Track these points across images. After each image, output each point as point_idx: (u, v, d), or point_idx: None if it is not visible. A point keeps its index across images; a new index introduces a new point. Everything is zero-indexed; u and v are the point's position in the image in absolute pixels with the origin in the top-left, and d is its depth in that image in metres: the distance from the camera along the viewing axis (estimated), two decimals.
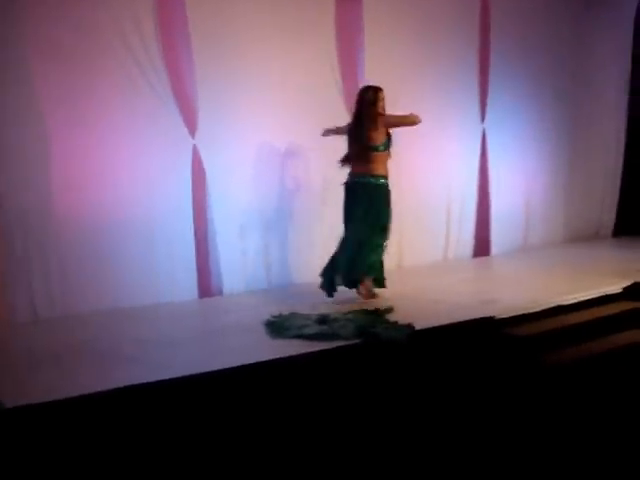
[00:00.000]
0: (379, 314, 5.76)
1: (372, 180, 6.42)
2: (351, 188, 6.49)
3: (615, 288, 6.80)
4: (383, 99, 6.41)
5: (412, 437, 4.43)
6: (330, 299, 6.43)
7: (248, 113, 7.00)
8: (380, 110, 6.39)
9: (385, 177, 6.44)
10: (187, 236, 6.80)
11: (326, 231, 7.56)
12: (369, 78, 7.58)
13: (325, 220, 7.55)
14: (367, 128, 6.36)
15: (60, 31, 6.07)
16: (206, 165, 6.84)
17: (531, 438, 4.46)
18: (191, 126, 6.75)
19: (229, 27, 6.85)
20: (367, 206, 6.39)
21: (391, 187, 6.51)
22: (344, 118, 7.49)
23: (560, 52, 9.58)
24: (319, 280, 6.66)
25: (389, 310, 5.86)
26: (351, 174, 6.50)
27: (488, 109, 8.96)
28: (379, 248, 6.48)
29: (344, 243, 6.47)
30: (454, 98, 8.48)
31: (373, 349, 5.05)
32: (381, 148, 6.39)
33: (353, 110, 6.60)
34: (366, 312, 5.83)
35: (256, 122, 7.07)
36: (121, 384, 4.19)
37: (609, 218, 10.58)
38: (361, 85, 7.55)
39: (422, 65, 8.19)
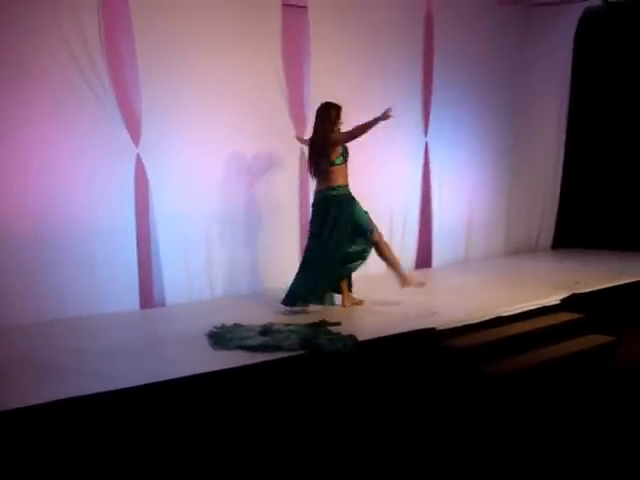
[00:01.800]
0: (322, 325, 5.77)
1: (332, 192, 6.51)
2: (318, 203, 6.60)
3: (554, 299, 6.92)
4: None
5: (354, 447, 4.45)
6: (273, 311, 6.42)
7: (193, 121, 6.98)
8: (336, 128, 6.46)
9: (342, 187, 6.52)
10: (129, 246, 6.72)
11: (271, 241, 7.58)
12: (314, 87, 7.66)
13: (269, 230, 7.57)
14: (326, 144, 6.42)
15: (1, 36, 5.99)
16: (149, 174, 6.80)
17: (470, 447, 4.51)
18: (135, 135, 6.70)
19: (174, 34, 6.82)
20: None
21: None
22: (289, 126, 7.55)
23: (502, 65, 9.72)
24: (263, 290, 6.68)
25: (336, 323, 5.85)
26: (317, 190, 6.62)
27: (431, 123, 9.07)
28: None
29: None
30: (397, 111, 8.53)
31: (316, 360, 5.05)
32: (338, 162, 6.45)
33: (314, 125, 6.61)
34: (309, 323, 5.83)
35: (201, 131, 7.04)
36: (62, 396, 4.11)
37: (548, 231, 10.76)
38: (306, 93, 7.66)
39: (366, 77, 8.24)
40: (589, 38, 10.13)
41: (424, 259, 9.25)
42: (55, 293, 6.32)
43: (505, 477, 4.25)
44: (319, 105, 6.57)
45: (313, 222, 6.63)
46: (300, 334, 5.42)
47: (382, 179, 8.40)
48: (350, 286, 6.76)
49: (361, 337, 5.41)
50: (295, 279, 6.55)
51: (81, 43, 6.35)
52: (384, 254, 6.65)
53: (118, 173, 6.65)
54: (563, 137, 10.52)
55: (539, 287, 7.42)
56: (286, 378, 4.89)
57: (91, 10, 6.38)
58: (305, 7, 7.76)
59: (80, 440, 3.98)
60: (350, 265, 6.61)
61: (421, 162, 9.05)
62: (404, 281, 6.70)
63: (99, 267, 6.55)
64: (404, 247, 8.90)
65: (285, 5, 7.61)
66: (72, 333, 5.89)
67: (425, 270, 9.09)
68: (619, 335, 6.53)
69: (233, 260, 7.41)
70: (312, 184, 7.64)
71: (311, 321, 5.90)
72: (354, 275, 6.78)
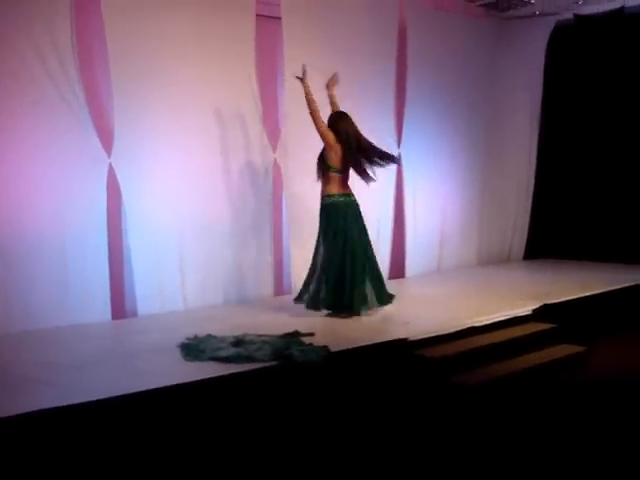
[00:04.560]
0: (294, 336, 5.76)
1: (326, 199, 6.66)
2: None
3: (525, 310, 6.97)
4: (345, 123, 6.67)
5: (327, 458, 4.44)
6: (246, 321, 6.41)
7: (166, 133, 6.96)
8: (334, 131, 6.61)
9: (336, 195, 6.65)
10: (101, 256, 6.67)
11: (244, 250, 7.56)
12: (288, 99, 7.67)
13: (243, 239, 7.55)
14: (324, 148, 6.64)
15: None
16: (121, 183, 6.75)
17: (442, 457, 4.53)
18: (107, 145, 6.66)
19: (147, 40, 6.81)
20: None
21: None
22: (262, 133, 7.57)
23: (475, 76, 9.83)
24: (236, 300, 6.66)
25: (309, 334, 5.85)
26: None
27: (404, 134, 9.11)
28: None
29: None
30: (370, 123, 8.55)
31: (288, 371, 5.05)
32: (334, 169, 6.58)
33: None
34: (282, 334, 5.81)
35: (174, 142, 7.03)
36: (31, 408, 4.07)
37: (520, 241, 10.83)
38: (280, 101, 7.72)
39: (340, 87, 8.24)
40: (560, 51, 10.23)
41: (397, 269, 9.28)
42: (25, 304, 6.25)
43: None
44: None
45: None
46: (273, 345, 5.41)
47: (355, 191, 8.40)
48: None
49: (334, 348, 5.41)
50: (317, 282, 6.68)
51: (53, 49, 6.30)
52: None
53: (90, 182, 6.60)
54: (535, 148, 10.59)
55: (511, 297, 7.47)
56: (259, 389, 4.87)
57: (63, 15, 6.34)
58: (279, 18, 7.78)
59: (52, 452, 3.95)
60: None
61: (394, 173, 9.08)
62: None
63: (70, 277, 6.49)
64: (378, 257, 8.89)
65: (259, 15, 7.63)
66: (43, 345, 5.83)
67: (398, 280, 9.12)
68: (589, 345, 6.59)
69: (206, 270, 7.37)
70: (286, 191, 7.72)
71: (284, 332, 5.89)
72: None
